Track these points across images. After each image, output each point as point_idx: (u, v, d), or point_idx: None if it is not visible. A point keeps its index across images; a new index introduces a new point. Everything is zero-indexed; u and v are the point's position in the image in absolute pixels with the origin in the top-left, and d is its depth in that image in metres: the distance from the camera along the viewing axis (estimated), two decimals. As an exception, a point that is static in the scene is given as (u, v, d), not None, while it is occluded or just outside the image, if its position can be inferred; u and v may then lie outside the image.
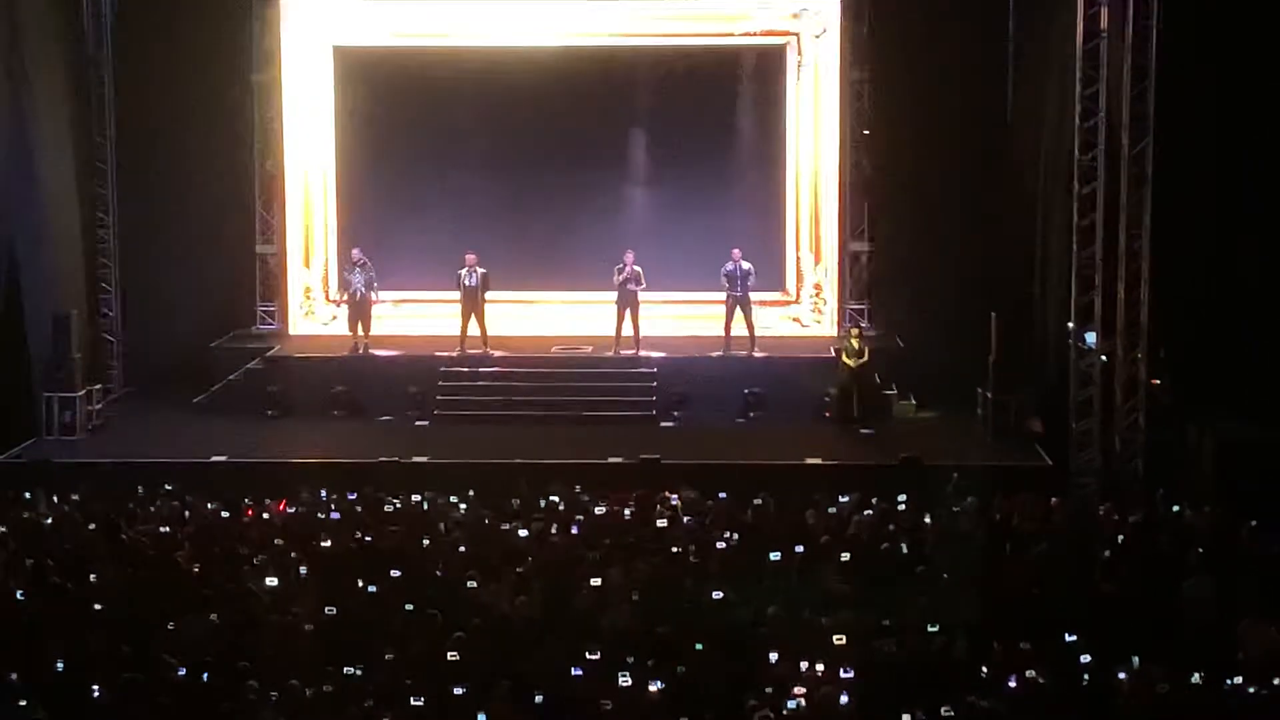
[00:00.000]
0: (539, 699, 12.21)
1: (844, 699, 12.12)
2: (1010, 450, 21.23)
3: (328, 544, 15.95)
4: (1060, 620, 13.50)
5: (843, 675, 12.37)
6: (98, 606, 14.23)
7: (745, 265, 23.70)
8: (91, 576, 15.05)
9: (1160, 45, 19.82)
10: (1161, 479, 19.29)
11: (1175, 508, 17.46)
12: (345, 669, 12.71)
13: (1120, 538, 16.35)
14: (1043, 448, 21.16)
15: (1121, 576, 14.96)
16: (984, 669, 12.72)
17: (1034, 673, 12.47)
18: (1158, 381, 20.92)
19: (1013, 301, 22.80)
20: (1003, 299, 22.82)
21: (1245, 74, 20.54)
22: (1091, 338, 20.81)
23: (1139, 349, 20.48)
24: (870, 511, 17.14)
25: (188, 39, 24.54)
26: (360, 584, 14.72)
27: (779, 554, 15.29)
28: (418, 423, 22.80)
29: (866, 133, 25.08)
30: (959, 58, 24.22)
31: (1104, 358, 20.72)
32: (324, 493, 18.18)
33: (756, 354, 23.85)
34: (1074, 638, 13.22)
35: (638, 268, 23.55)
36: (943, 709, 11.85)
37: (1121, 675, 12.47)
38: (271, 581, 14.66)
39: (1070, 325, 21.08)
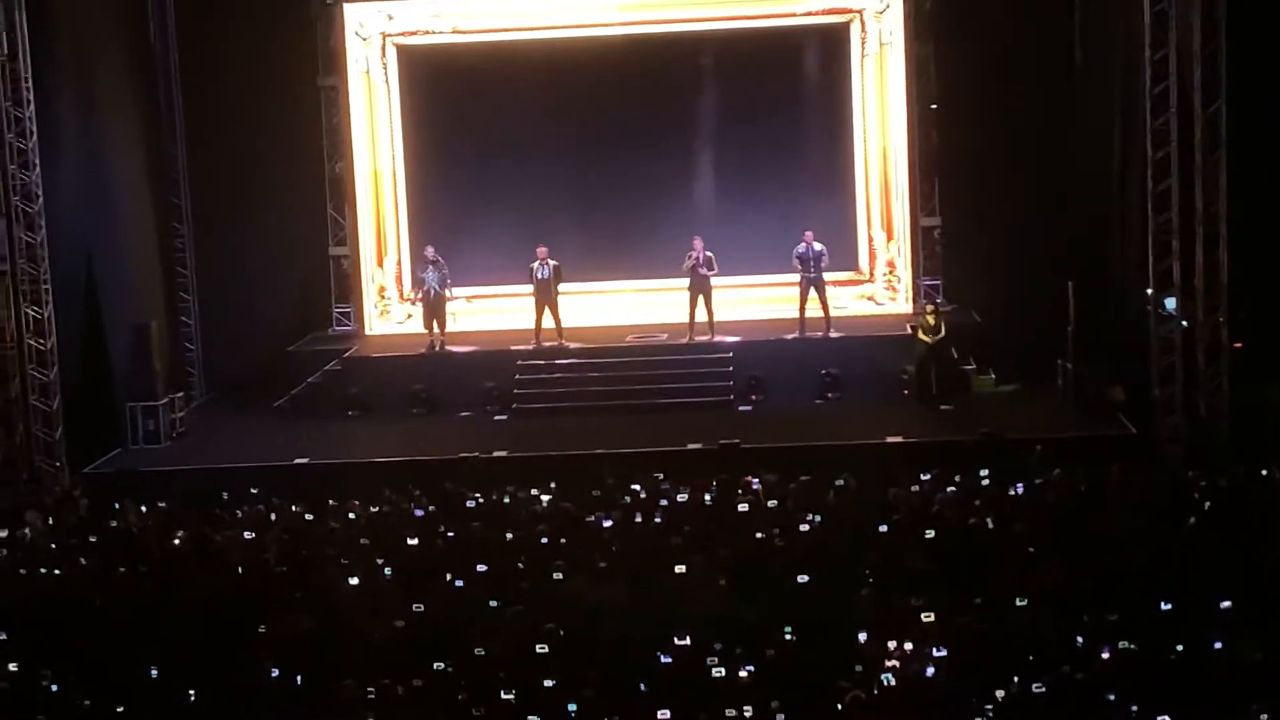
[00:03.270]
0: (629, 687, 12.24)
1: (934, 675, 12.07)
2: (1093, 420, 21.02)
3: (414, 542, 16.03)
4: (1151, 589, 13.38)
5: (934, 654, 12.33)
6: (189, 612, 14.38)
7: (818, 246, 23.59)
8: (182, 583, 15.22)
9: (1230, 5, 19.54)
10: (1247, 442, 19.06)
11: (1263, 471, 17.25)
12: (435, 665, 12.78)
13: (1208, 503, 16.18)
14: (1126, 416, 20.95)
15: (1211, 542, 14.80)
16: (1077, 640, 12.63)
17: (1126, 643, 12.38)
18: (1239, 344, 20.66)
19: (1089, 270, 22.56)
20: (1079, 267, 22.58)
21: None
22: (1171, 303, 20.58)
23: (1220, 312, 20.22)
24: (953, 488, 17.05)
25: (253, 46, 24.68)
26: (447, 580, 14.80)
27: (862, 534, 15.23)
28: (496, 417, 22.88)
29: (934, 106, 24.92)
30: (1024, 25, 23.96)
31: (1184, 322, 20.49)
32: (408, 490, 18.28)
33: (832, 334, 23.76)
34: (1167, 606, 13.10)
35: (709, 253, 23.50)
36: (1033, 685, 11.79)
37: (1216, 644, 12.35)
38: (358, 581, 14.78)
39: (1149, 291, 20.86)
